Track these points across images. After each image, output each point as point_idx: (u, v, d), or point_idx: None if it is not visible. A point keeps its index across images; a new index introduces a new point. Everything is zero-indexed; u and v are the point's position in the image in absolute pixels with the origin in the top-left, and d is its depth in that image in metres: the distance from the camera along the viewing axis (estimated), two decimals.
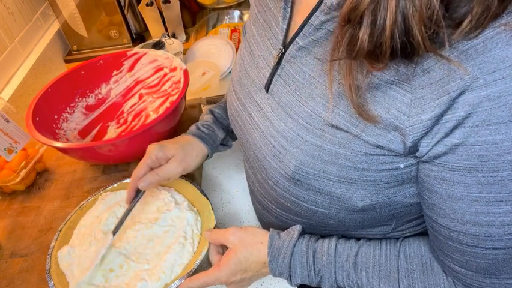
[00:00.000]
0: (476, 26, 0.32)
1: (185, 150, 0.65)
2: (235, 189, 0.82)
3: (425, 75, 0.36)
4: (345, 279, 0.50)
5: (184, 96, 0.77)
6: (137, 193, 0.63)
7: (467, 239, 0.40)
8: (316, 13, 0.43)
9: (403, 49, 0.33)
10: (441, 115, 0.35)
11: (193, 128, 0.71)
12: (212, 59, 1.10)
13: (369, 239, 0.53)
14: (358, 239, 0.53)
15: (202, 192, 0.68)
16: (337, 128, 0.43)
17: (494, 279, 0.41)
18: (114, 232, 0.61)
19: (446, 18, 0.32)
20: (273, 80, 0.50)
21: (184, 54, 1.14)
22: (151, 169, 0.63)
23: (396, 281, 0.48)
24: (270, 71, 0.51)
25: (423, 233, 0.53)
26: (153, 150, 0.63)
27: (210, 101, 1.00)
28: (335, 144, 0.43)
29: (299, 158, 0.46)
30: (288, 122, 0.47)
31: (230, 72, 1.09)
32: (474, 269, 0.41)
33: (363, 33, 0.33)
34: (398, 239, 0.51)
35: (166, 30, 1.23)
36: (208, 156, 0.69)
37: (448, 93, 0.34)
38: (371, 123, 0.40)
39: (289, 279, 0.53)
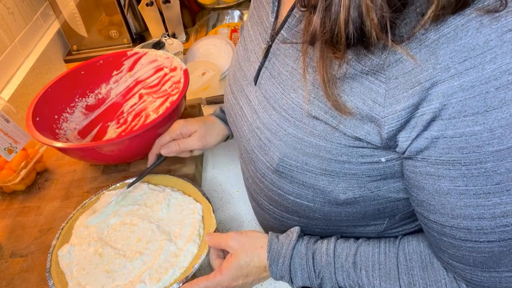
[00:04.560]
0: (441, 15, 0.32)
1: (207, 128, 0.71)
2: (235, 190, 0.82)
3: (398, 65, 0.35)
4: (346, 280, 0.50)
5: (184, 96, 0.77)
6: (157, 159, 0.71)
7: (460, 233, 0.39)
8: (298, 4, 0.43)
9: (359, 37, 0.33)
10: (415, 107, 0.35)
11: (217, 110, 0.76)
12: (212, 59, 1.09)
13: (368, 238, 0.52)
14: (357, 238, 0.53)
15: (204, 194, 0.68)
16: (317, 119, 0.43)
17: (494, 273, 0.41)
18: (129, 186, 0.69)
19: (412, 10, 0.32)
20: (261, 73, 0.51)
21: (184, 54, 1.14)
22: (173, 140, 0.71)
23: (396, 278, 0.47)
24: (259, 64, 0.52)
25: (418, 232, 0.53)
26: (178, 126, 0.70)
27: (210, 101, 1.00)
28: (316, 136, 0.43)
29: (282, 150, 0.47)
30: (272, 114, 0.48)
31: None
32: (472, 264, 0.41)
33: (316, 18, 0.34)
34: (396, 237, 0.51)
35: (166, 30, 1.23)
36: (228, 137, 0.75)
37: (420, 83, 0.34)
38: (346, 116, 0.40)
39: (290, 282, 0.52)
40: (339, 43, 0.34)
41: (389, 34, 0.32)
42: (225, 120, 0.73)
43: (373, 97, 0.37)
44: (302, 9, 0.36)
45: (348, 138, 0.41)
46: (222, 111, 0.75)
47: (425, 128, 0.35)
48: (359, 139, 0.40)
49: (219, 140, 0.73)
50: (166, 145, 0.70)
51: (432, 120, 0.34)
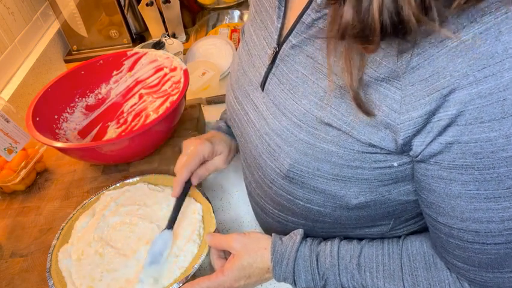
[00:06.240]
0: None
1: (230, 147, 0.70)
2: (235, 190, 0.82)
3: (414, 72, 0.35)
4: (350, 281, 0.50)
5: (184, 96, 0.77)
6: (186, 187, 0.65)
7: (468, 235, 0.40)
8: (307, 11, 0.43)
9: (394, 26, 0.31)
10: (432, 113, 0.35)
11: (223, 125, 0.73)
12: (212, 59, 1.09)
13: (372, 239, 0.53)
14: (360, 239, 0.53)
15: (204, 194, 0.68)
16: (329, 125, 0.43)
17: (497, 273, 0.41)
18: (170, 227, 0.61)
19: None
20: (268, 79, 0.50)
21: (184, 54, 1.14)
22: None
23: (400, 279, 0.48)
24: (265, 69, 0.51)
25: (422, 231, 0.53)
26: (204, 149, 0.65)
27: (210, 101, 1.00)
28: (328, 142, 0.43)
29: (293, 156, 0.46)
30: (282, 120, 0.47)
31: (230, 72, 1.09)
32: (477, 265, 0.42)
33: (348, 8, 0.32)
34: (399, 237, 0.51)
35: (166, 30, 1.23)
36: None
37: (438, 90, 0.34)
38: (366, 118, 0.39)
39: (294, 283, 0.53)
40: (372, 34, 0.32)
41: (436, 16, 0.30)
42: (231, 134, 0.71)
43: (388, 103, 0.37)
44: (331, 1, 0.34)
45: (362, 144, 0.41)
46: (228, 126, 0.72)
47: (440, 133, 0.35)
48: (373, 145, 0.40)
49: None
50: (195, 174, 0.65)
51: (448, 125, 0.35)
